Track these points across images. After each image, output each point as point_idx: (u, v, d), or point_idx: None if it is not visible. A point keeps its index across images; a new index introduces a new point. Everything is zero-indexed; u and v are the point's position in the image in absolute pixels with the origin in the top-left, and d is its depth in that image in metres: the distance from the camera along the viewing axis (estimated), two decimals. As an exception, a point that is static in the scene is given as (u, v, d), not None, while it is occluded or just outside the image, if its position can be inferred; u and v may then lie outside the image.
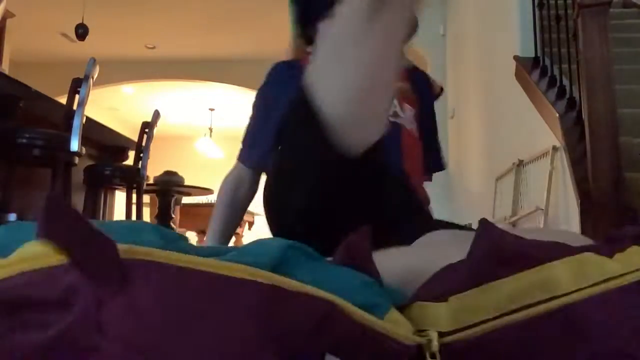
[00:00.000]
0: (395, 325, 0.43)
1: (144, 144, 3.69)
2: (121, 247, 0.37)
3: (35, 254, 0.37)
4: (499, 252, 0.46)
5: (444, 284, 0.49)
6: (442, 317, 0.45)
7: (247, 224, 6.43)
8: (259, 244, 0.52)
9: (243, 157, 1.29)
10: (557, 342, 0.42)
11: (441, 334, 0.44)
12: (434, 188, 5.48)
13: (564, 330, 0.41)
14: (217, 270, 0.39)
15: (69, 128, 2.71)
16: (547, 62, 3.01)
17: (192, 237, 6.20)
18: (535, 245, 0.47)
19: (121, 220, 0.52)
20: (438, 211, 4.88)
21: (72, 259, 0.35)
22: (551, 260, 0.45)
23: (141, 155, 3.66)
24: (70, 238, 0.35)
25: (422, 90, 1.28)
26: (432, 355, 0.43)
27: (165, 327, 0.35)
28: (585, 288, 0.43)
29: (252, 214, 6.52)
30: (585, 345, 0.40)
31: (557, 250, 0.46)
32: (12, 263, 0.37)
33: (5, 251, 0.40)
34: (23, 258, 0.37)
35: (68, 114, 2.78)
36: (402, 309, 0.50)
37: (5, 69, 5.74)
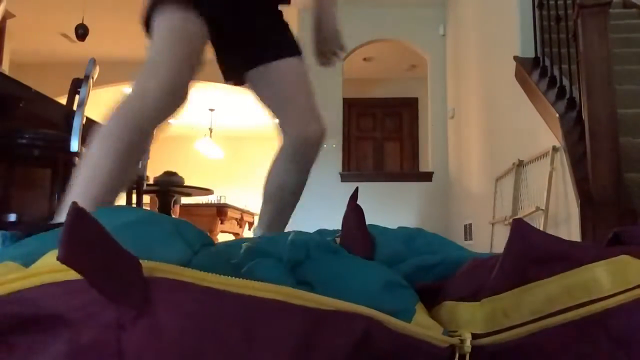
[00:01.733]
0: (425, 328, 0.43)
1: (144, 144, 3.69)
2: (145, 264, 0.34)
3: (55, 265, 0.33)
4: (535, 252, 0.44)
5: (475, 283, 0.48)
6: (475, 318, 0.44)
7: (247, 224, 6.43)
8: (276, 240, 0.52)
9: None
10: (596, 347, 0.40)
11: (474, 336, 0.43)
12: (434, 188, 5.52)
13: (603, 335, 0.40)
14: (248, 292, 0.36)
15: (69, 128, 2.71)
16: (547, 62, 3.01)
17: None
18: (573, 246, 0.45)
19: (154, 217, 0.47)
20: (438, 211, 4.92)
21: (89, 281, 0.32)
22: (590, 262, 0.43)
23: (141, 155, 3.66)
24: (89, 256, 0.32)
25: None
26: (463, 357, 0.42)
27: (192, 357, 0.32)
28: (626, 291, 0.41)
29: (252, 214, 6.52)
30: (626, 351, 0.39)
31: (595, 252, 0.44)
32: (30, 274, 0.35)
33: (32, 259, 0.38)
34: (41, 270, 0.35)
35: (68, 114, 2.78)
36: (430, 308, 0.49)
37: (5, 69, 5.74)
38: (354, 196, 0.63)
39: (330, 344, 0.37)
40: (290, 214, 1.54)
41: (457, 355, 0.42)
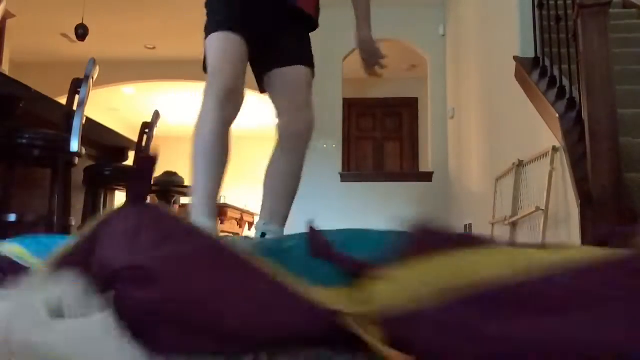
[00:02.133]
0: (324, 299, 0.49)
1: (144, 144, 3.69)
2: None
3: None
4: (425, 242, 0.53)
5: (376, 266, 0.54)
6: (374, 295, 0.50)
7: (247, 224, 6.43)
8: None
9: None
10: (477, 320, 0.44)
11: (380, 309, 0.47)
12: (434, 188, 5.55)
13: (483, 310, 0.45)
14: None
15: (69, 128, 2.71)
16: (547, 62, 3.01)
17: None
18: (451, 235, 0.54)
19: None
20: (438, 211, 4.92)
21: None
22: (470, 247, 0.50)
23: (141, 155, 3.66)
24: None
25: None
26: (351, 327, 0.46)
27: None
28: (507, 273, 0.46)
29: (252, 214, 6.52)
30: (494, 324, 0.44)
31: (472, 240, 0.53)
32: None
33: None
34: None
35: (68, 114, 2.78)
36: (347, 287, 0.55)
37: (5, 69, 5.74)
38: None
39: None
40: (288, 205, 1.70)
41: (347, 325, 0.46)
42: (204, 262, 0.49)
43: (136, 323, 0.45)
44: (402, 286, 0.50)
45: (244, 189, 9.72)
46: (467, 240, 0.55)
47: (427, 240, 0.54)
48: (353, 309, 0.48)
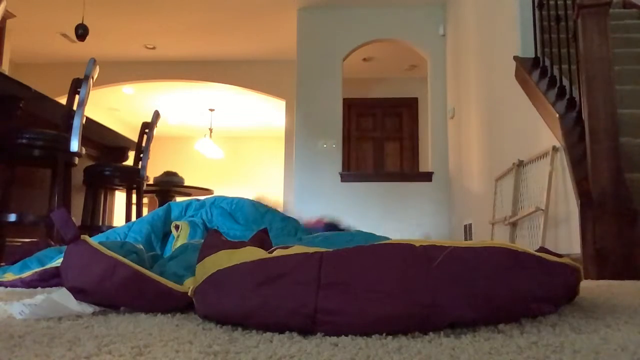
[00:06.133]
0: (183, 285, 0.97)
1: (144, 144, 3.69)
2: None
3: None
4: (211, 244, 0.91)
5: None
6: (197, 274, 0.88)
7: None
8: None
9: None
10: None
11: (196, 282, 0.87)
12: (434, 188, 5.70)
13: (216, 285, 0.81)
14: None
15: (69, 128, 2.71)
16: (547, 62, 3.01)
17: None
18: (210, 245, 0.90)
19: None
20: (438, 211, 5.01)
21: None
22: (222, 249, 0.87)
23: (141, 155, 3.66)
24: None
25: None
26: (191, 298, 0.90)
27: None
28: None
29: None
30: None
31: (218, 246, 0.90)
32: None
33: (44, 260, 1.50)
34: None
35: (68, 114, 2.78)
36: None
37: (5, 69, 5.74)
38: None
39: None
40: None
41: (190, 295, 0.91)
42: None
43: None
44: (200, 270, 0.86)
45: (244, 188, 9.73)
46: (232, 244, 0.88)
47: (212, 243, 0.90)
48: (191, 286, 0.91)
